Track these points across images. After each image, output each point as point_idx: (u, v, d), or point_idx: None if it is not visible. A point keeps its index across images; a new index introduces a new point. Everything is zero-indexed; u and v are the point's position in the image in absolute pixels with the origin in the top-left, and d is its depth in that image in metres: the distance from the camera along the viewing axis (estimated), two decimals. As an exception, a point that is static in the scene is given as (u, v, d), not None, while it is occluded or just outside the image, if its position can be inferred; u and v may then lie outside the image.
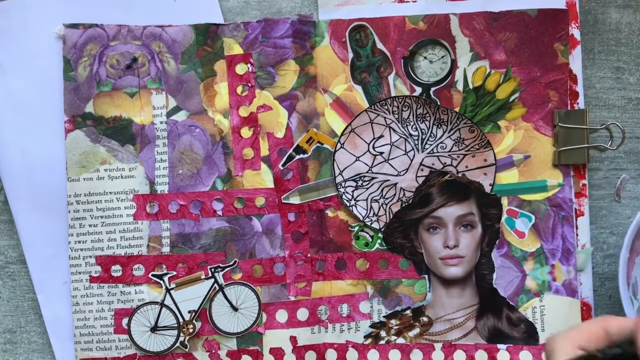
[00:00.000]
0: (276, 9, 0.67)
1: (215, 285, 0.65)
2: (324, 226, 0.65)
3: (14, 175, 0.66)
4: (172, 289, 0.65)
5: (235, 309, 0.65)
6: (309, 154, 0.66)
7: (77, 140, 0.65)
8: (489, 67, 0.65)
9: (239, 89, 0.66)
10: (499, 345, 0.64)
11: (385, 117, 0.65)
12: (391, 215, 0.65)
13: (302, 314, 0.65)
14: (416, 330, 0.65)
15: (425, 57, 0.65)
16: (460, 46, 0.65)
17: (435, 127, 0.65)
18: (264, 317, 0.65)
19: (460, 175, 0.65)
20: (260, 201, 0.65)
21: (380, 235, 0.65)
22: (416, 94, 0.65)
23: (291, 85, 0.66)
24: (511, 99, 0.65)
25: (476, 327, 0.65)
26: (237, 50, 0.66)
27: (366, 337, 0.65)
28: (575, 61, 0.65)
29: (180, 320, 0.65)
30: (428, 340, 0.65)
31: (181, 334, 0.65)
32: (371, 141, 0.65)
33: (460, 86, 0.65)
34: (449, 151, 0.65)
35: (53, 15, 0.65)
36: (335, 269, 0.65)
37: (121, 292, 0.65)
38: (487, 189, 0.65)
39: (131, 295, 0.65)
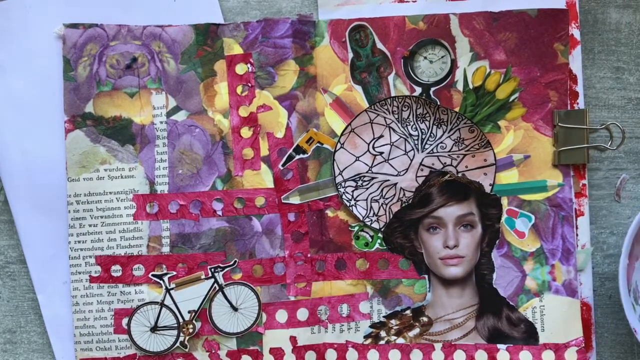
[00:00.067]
0: (276, 9, 0.67)
1: (215, 285, 0.65)
2: (324, 226, 0.65)
3: (14, 175, 0.66)
4: (172, 289, 0.65)
5: (235, 309, 0.65)
6: (309, 154, 0.66)
7: (77, 140, 0.65)
8: (489, 67, 0.65)
9: (239, 89, 0.66)
10: (499, 345, 0.64)
11: (385, 117, 0.65)
12: (391, 215, 0.65)
13: (302, 314, 0.65)
14: (416, 330, 0.65)
15: (425, 57, 0.65)
16: (460, 46, 0.65)
17: (435, 127, 0.65)
18: (264, 317, 0.65)
19: (460, 175, 0.65)
20: (260, 201, 0.65)
21: (380, 235, 0.65)
22: (416, 94, 0.65)
23: (291, 85, 0.66)
24: (511, 99, 0.65)
25: (476, 327, 0.65)
26: (237, 50, 0.66)
27: (366, 337, 0.65)
28: (575, 61, 0.65)
29: (180, 320, 0.65)
30: (428, 340, 0.65)
31: (181, 334, 0.65)
32: (371, 141, 0.65)
33: (460, 86, 0.65)
34: (449, 151, 0.65)
35: (53, 15, 0.66)
36: (335, 269, 0.65)
37: (121, 292, 0.65)
38: (487, 189, 0.65)
39: (131, 295, 0.65)
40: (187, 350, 0.65)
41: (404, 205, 0.65)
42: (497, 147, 0.65)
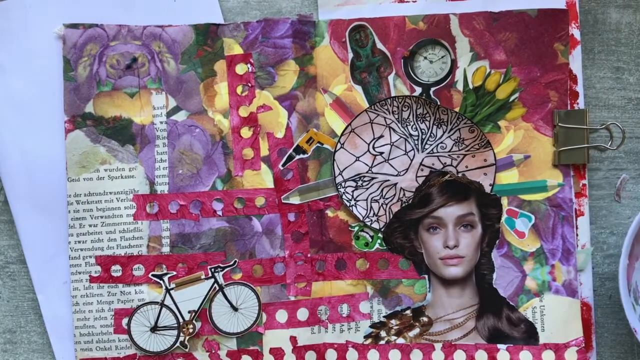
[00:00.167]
0: (276, 9, 0.67)
1: (215, 285, 0.65)
2: (324, 226, 0.65)
3: (14, 175, 0.66)
4: (172, 289, 0.65)
5: (235, 309, 0.65)
6: (309, 154, 0.66)
7: (77, 140, 0.65)
8: (489, 67, 0.65)
9: (239, 89, 0.66)
10: (499, 345, 0.64)
11: (385, 117, 0.65)
12: (391, 215, 0.65)
13: (302, 314, 0.65)
14: (416, 330, 0.65)
15: (425, 57, 0.65)
16: (460, 46, 0.65)
17: (435, 127, 0.65)
18: (264, 317, 0.65)
19: (460, 175, 0.65)
20: (260, 201, 0.65)
21: (380, 235, 0.65)
22: (416, 94, 0.65)
23: (291, 85, 0.66)
24: (511, 99, 0.65)
25: (476, 327, 0.65)
26: (237, 50, 0.66)
27: (366, 337, 0.65)
28: (575, 61, 0.65)
29: (180, 320, 0.65)
30: (428, 340, 0.65)
31: (181, 334, 0.65)
32: (371, 141, 0.65)
33: (460, 86, 0.65)
34: (449, 151, 0.65)
35: (53, 15, 0.66)
36: (335, 269, 0.65)
37: (121, 292, 0.65)
38: (487, 189, 0.65)
39: (131, 295, 0.65)
40: (187, 350, 0.65)
41: (404, 205, 0.65)
42: (497, 147, 0.65)
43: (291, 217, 0.65)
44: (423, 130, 0.65)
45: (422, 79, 0.65)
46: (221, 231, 0.65)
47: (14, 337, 0.68)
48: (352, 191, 0.65)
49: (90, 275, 0.65)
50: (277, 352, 0.65)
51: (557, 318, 0.64)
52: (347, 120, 0.65)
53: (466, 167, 0.65)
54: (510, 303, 0.65)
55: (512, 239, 0.65)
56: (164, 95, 0.66)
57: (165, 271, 0.65)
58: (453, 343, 0.65)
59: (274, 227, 0.65)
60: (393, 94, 0.65)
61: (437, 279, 0.65)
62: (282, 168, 0.66)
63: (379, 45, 0.65)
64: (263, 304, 0.65)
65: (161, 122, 0.66)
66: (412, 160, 0.65)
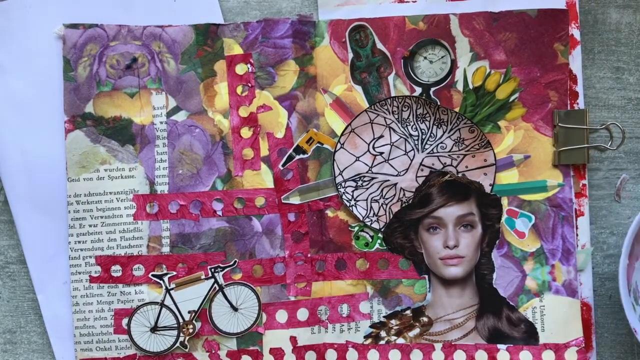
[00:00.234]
0: (276, 9, 0.67)
1: (215, 285, 0.65)
2: (324, 226, 0.65)
3: (14, 175, 0.66)
4: (172, 289, 0.65)
5: (235, 309, 0.65)
6: (309, 154, 0.66)
7: (77, 140, 0.65)
8: (489, 67, 0.65)
9: (239, 89, 0.66)
10: (499, 346, 0.64)
11: (385, 117, 0.65)
12: (391, 216, 0.65)
13: (302, 314, 0.65)
14: (416, 331, 0.65)
15: (425, 57, 0.65)
16: (460, 46, 0.65)
17: (435, 127, 0.65)
18: (264, 317, 0.65)
19: (460, 175, 0.65)
20: (260, 201, 0.65)
21: (380, 235, 0.65)
22: (416, 94, 0.65)
23: (291, 85, 0.66)
24: (511, 99, 0.65)
25: (476, 327, 0.65)
26: (237, 50, 0.66)
27: (366, 337, 0.65)
28: (575, 61, 0.65)
29: (180, 320, 0.65)
30: (428, 340, 0.65)
31: (181, 334, 0.65)
32: (371, 141, 0.65)
33: (460, 86, 0.65)
34: (449, 151, 0.65)
35: (53, 15, 0.66)
36: (335, 269, 0.65)
37: (121, 292, 0.65)
38: (487, 189, 0.65)
39: (131, 296, 0.65)
40: (187, 350, 0.65)
41: (404, 205, 0.65)
42: (497, 147, 0.65)
43: (291, 217, 0.65)
44: (423, 130, 0.65)
45: (422, 79, 0.65)
46: (221, 231, 0.65)
47: (14, 337, 0.68)
48: (352, 191, 0.65)
49: (90, 276, 0.65)
50: (277, 352, 0.65)
51: (557, 318, 0.64)
52: (347, 120, 0.65)
53: (466, 167, 0.65)
54: (510, 303, 0.65)
55: (512, 239, 0.65)
56: (164, 95, 0.66)
57: (165, 271, 0.65)
58: (453, 343, 0.65)
59: (274, 227, 0.65)
60: (393, 94, 0.65)
61: (437, 279, 0.65)
62: (282, 168, 0.66)
63: (379, 46, 0.65)
64: (263, 304, 0.65)
65: (161, 122, 0.66)
66: (412, 160, 0.65)
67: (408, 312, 0.65)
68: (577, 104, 0.65)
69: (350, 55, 0.65)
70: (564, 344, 0.64)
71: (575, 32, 0.65)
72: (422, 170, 0.65)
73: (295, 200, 0.65)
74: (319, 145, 0.65)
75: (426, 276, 0.65)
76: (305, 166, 0.65)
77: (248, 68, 0.66)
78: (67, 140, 0.65)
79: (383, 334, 0.65)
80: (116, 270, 0.65)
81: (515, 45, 0.65)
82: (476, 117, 0.65)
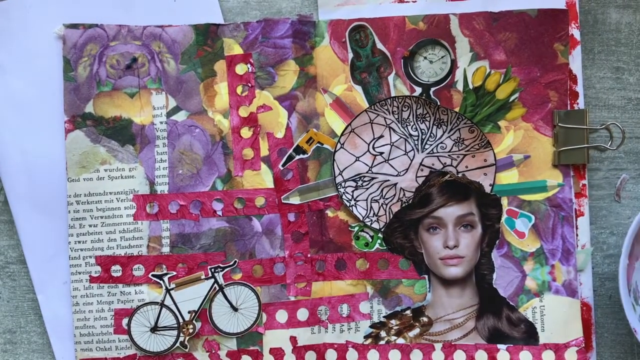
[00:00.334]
0: (276, 9, 0.67)
1: (215, 285, 0.65)
2: (324, 226, 0.65)
3: (14, 175, 0.66)
4: (172, 289, 0.65)
5: (235, 309, 0.65)
6: (309, 154, 0.66)
7: (77, 141, 0.65)
8: (488, 67, 0.65)
9: (239, 89, 0.66)
10: (499, 346, 0.64)
11: (385, 117, 0.65)
12: (391, 216, 0.65)
13: (302, 314, 0.65)
14: (416, 331, 0.65)
15: (425, 57, 0.65)
16: (460, 46, 0.65)
17: (435, 127, 0.65)
18: (264, 317, 0.65)
19: (460, 175, 0.65)
20: (260, 201, 0.65)
21: (380, 235, 0.65)
22: (416, 94, 0.65)
23: (291, 85, 0.66)
24: (511, 99, 0.65)
25: (476, 327, 0.65)
26: (237, 50, 0.66)
27: (366, 337, 0.65)
28: (575, 61, 0.65)
29: (180, 320, 0.65)
30: (428, 340, 0.65)
31: (181, 334, 0.65)
32: (371, 141, 0.65)
33: (460, 86, 0.65)
34: (449, 151, 0.65)
35: (53, 15, 0.66)
36: (335, 269, 0.65)
37: (121, 292, 0.65)
38: (487, 189, 0.65)
39: (131, 296, 0.65)
40: (187, 350, 0.65)
41: (404, 205, 0.65)
42: (497, 147, 0.65)
43: (291, 217, 0.65)
44: (423, 131, 0.65)
45: (422, 79, 0.65)
46: (221, 231, 0.65)
47: (14, 337, 0.68)
48: (352, 191, 0.65)
49: (90, 276, 0.65)
50: (277, 352, 0.65)
51: (557, 318, 0.64)
52: (347, 121, 0.65)
53: (466, 167, 0.65)
54: (510, 303, 0.65)
55: (512, 239, 0.65)
56: (164, 95, 0.66)
57: (165, 271, 0.65)
58: (453, 343, 0.65)
59: (274, 227, 0.65)
60: (393, 94, 0.65)
61: (437, 279, 0.65)
62: (282, 168, 0.66)
63: (379, 46, 0.65)
64: (263, 304, 0.65)
65: (161, 122, 0.66)
66: (412, 161, 0.65)
67: (408, 312, 0.65)
68: (577, 104, 0.65)
69: (350, 55, 0.65)
70: (564, 344, 0.64)
71: (575, 32, 0.65)
72: (422, 170, 0.65)
73: (295, 200, 0.65)
74: (319, 145, 0.65)
75: (426, 276, 0.65)
76: (305, 166, 0.65)
77: (248, 68, 0.66)
78: (67, 140, 0.65)
79: (383, 334, 0.65)
80: (116, 271, 0.65)
81: (515, 45, 0.65)
82: (476, 117, 0.65)
